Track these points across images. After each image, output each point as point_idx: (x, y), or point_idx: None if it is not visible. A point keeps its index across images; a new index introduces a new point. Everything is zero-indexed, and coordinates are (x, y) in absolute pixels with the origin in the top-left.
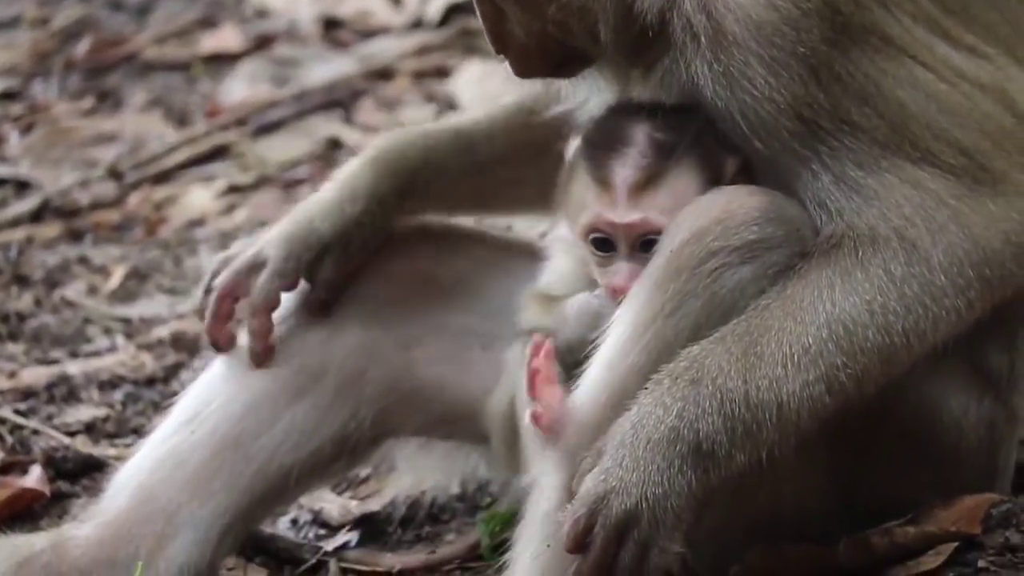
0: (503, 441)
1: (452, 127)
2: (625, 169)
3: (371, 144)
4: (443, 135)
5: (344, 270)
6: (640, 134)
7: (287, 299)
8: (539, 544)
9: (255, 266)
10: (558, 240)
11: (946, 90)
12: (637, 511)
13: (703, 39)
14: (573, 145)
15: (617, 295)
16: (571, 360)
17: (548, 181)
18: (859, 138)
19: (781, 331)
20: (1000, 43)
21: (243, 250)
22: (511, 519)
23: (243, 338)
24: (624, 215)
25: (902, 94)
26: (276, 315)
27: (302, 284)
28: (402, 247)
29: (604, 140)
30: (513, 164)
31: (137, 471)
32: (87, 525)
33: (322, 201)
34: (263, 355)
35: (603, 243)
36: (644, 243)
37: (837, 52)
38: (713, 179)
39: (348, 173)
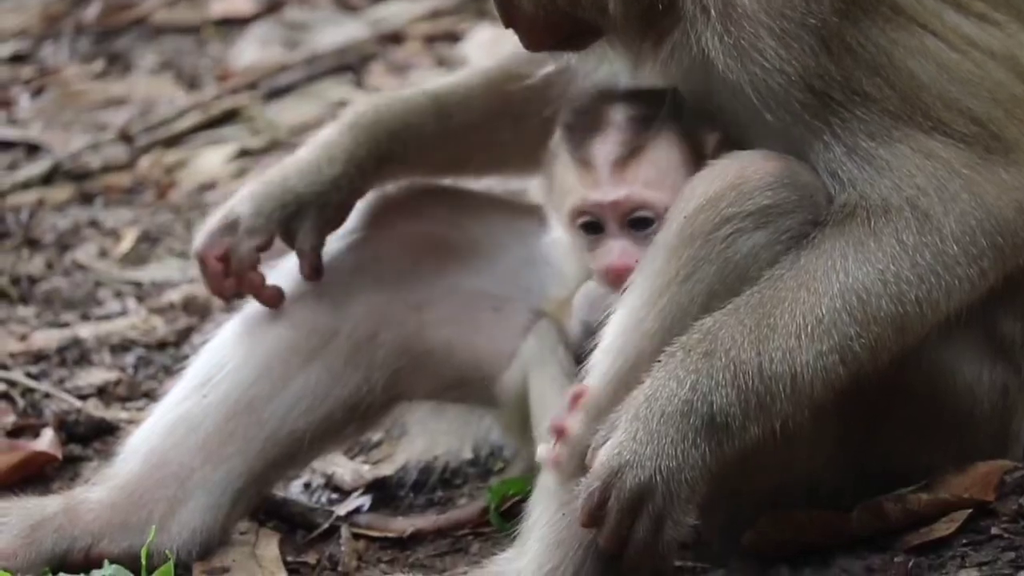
0: (515, 420)
1: (431, 92)
2: (605, 146)
3: (349, 109)
4: (421, 100)
5: (323, 232)
6: (617, 114)
7: (293, 263)
8: (552, 514)
9: (228, 226)
10: (556, 244)
11: (957, 59)
12: (651, 484)
13: (713, 12)
14: (555, 133)
15: (613, 276)
16: (584, 348)
17: (527, 145)
18: (871, 109)
19: (794, 302)
20: (1010, 9)
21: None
22: (522, 487)
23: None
24: (609, 192)
25: (913, 64)
26: (286, 278)
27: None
28: (413, 210)
29: (582, 123)
30: (489, 129)
31: (149, 435)
32: (99, 489)
33: (299, 162)
34: (271, 302)
35: (592, 226)
36: (634, 221)
37: (848, 23)
38: (694, 153)
39: (326, 136)
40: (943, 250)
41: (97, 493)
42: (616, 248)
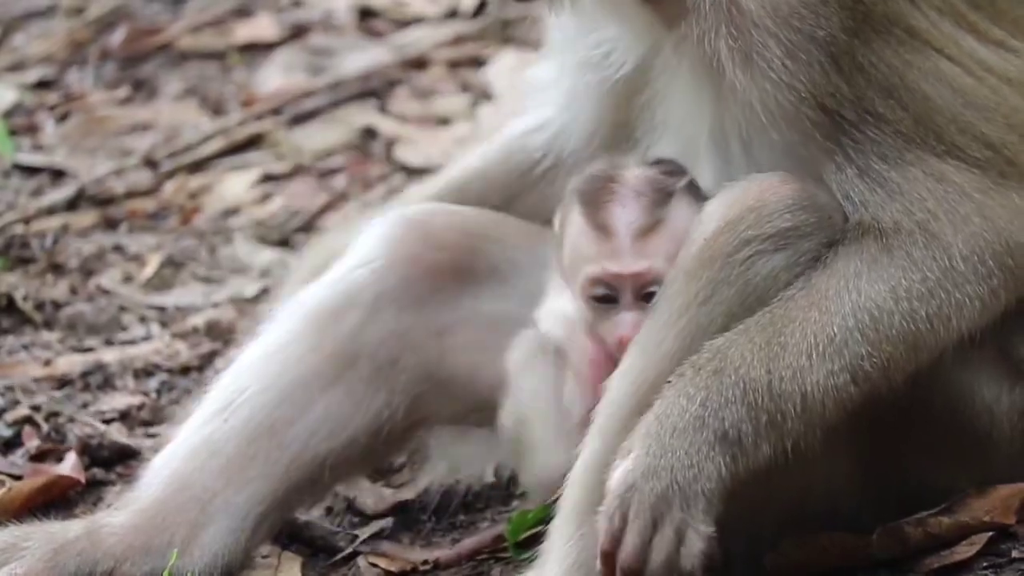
0: (517, 451)
1: (454, 185)
2: (627, 213)
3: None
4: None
5: None
6: (634, 177)
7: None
8: (571, 535)
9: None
10: (553, 279)
11: (972, 84)
12: (668, 493)
13: (722, 11)
14: (564, 201)
15: (623, 346)
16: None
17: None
18: (883, 130)
19: (805, 321)
20: None
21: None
22: (542, 515)
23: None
24: (630, 264)
25: (927, 87)
26: (306, 301)
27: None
28: (433, 235)
29: (597, 189)
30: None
31: (171, 459)
32: (122, 512)
33: None
34: None
35: (606, 297)
36: (646, 293)
37: (859, 42)
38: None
39: None
40: (951, 267)
41: (119, 517)
42: (629, 320)
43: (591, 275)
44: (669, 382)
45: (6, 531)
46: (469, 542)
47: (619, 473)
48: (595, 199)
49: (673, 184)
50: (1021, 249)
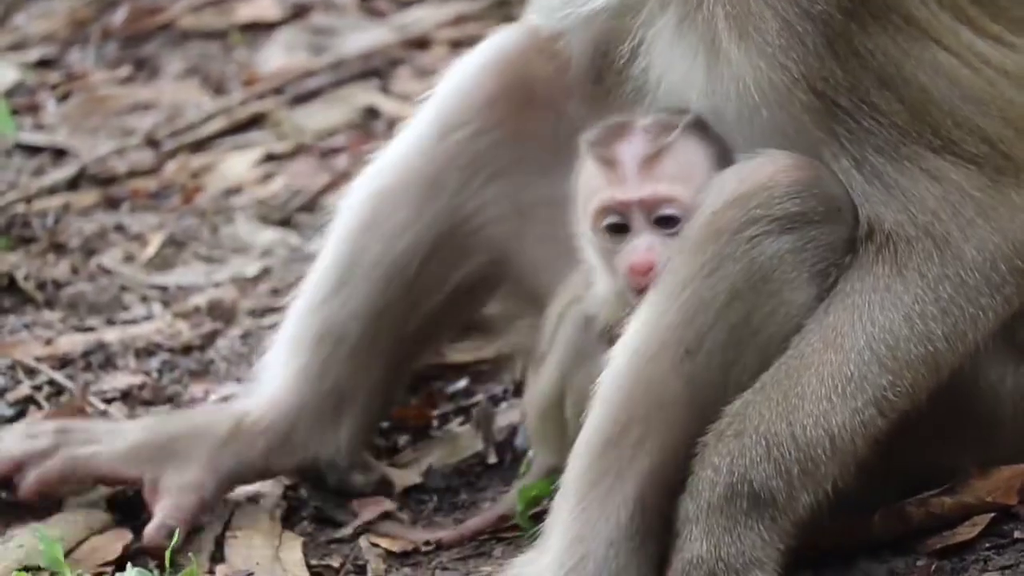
0: (541, 425)
1: None
2: (631, 145)
3: None
4: None
5: None
6: (640, 121)
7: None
8: (572, 509)
9: None
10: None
11: (969, 75)
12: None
13: None
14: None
15: (638, 273)
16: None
17: None
18: (880, 121)
19: (822, 364)
20: None
21: None
22: (547, 489)
23: None
24: (635, 190)
25: (924, 78)
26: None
27: None
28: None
29: (606, 131)
30: None
31: (299, 347)
32: (262, 406)
33: None
34: None
35: (618, 227)
36: (660, 219)
37: (856, 25)
38: (720, 157)
39: None
40: (964, 280)
41: (260, 412)
42: (642, 244)
43: (600, 205)
44: (695, 454)
45: (145, 424)
46: (472, 522)
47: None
48: (603, 141)
49: (678, 119)
50: None
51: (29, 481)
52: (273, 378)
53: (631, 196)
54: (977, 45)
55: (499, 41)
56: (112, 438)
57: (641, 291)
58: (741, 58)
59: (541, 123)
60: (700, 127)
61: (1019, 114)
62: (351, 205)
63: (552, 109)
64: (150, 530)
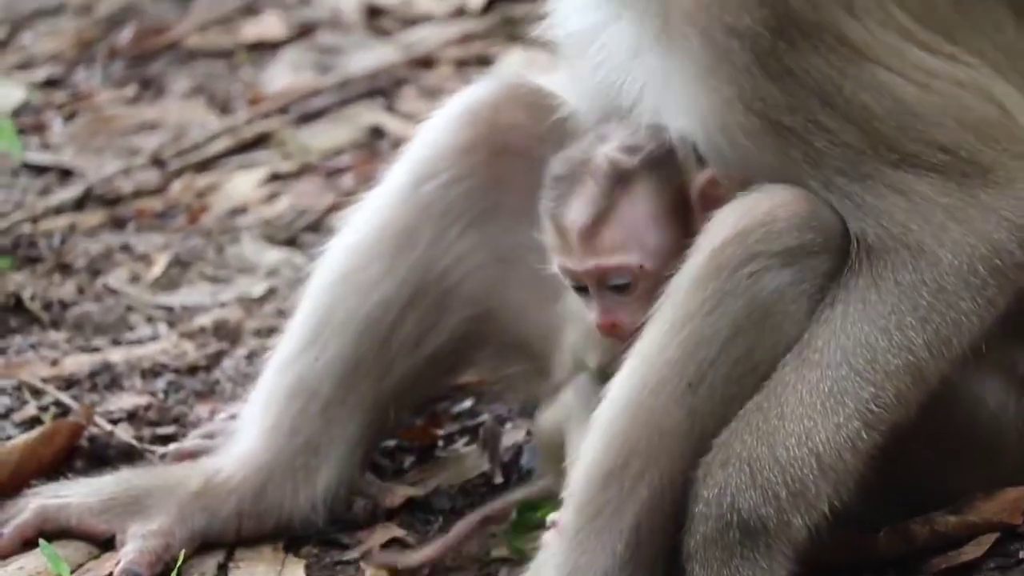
0: (549, 452)
1: None
2: (573, 213)
3: None
4: None
5: None
6: (597, 161)
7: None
8: (572, 537)
9: None
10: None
11: (915, 92)
12: None
13: None
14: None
15: (605, 332)
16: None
17: None
18: (832, 142)
19: (800, 383)
20: (984, 57)
21: None
22: (546, 513)
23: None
24: (580, 263)
25: (865, 97)
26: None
27: None
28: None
29: (561, 177)
30: None
31: (271, 403)
32: (233, 462)
33: None
34: None
35: (579, 287)
36: (612, 286)
37: (784, 43)
38: (675, 200)
39: None
40: (942, 286)
41: (232, 468)
42: (600, 307)
43: (558, 267)
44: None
45: (119, 478)
46: (449, 538)
47: None
48: (555, 190)
49: (631, 162)
50: (1004, 247)
51: (5, 538)
52: (246, 435)
53: (578, 268)
54: (926, 62)
55: (472, 92)
56: (85, 492)
57: (615, 340)
58: (676, 80)
59: (516, 169)
60: (659, 163)
61: (978, 118)
62: (326, 259)
63: (527, 156)
64: None
